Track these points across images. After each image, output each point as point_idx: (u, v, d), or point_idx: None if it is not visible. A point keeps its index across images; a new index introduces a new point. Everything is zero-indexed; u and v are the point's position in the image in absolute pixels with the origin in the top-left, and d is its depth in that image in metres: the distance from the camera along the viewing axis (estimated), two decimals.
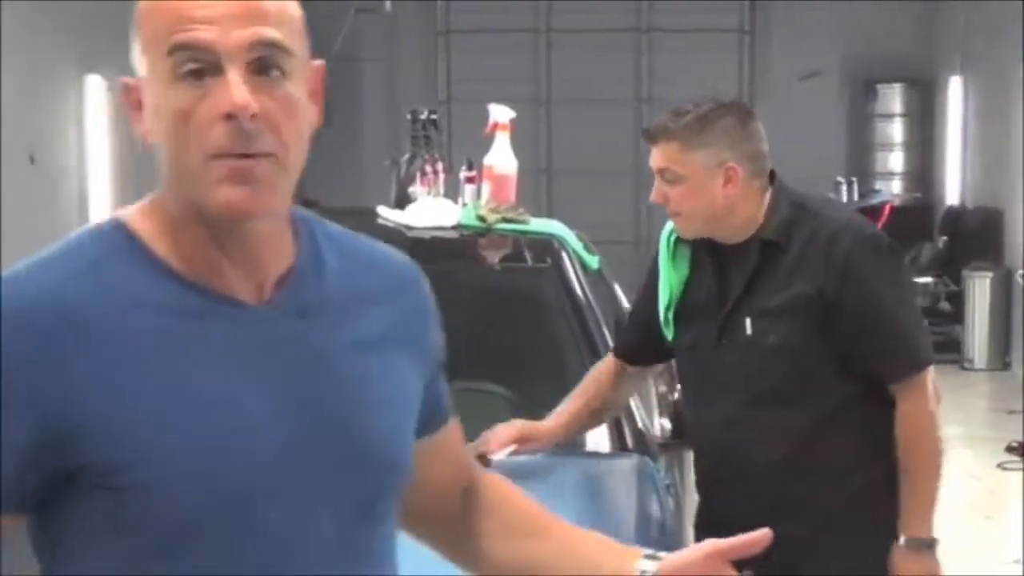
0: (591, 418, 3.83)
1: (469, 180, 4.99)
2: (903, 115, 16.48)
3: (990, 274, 13.38)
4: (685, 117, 3.49)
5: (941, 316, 13.36)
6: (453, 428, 2.13)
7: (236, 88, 1.72)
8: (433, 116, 5.55)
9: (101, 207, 11.22)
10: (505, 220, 4.71)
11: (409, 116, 5.57)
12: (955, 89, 15.48)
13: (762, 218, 3.55)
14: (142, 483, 1.72)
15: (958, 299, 12.92)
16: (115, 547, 1.75)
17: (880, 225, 14.90)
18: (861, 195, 15.46)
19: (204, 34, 1.72)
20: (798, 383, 3.52)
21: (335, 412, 1.84)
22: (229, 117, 1.71)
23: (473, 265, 4.86)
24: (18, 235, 9.72)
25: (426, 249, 4.71)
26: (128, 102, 1.83)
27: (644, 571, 2.00)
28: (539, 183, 16.23)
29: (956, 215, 14.79)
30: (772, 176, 3.60)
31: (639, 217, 16.45)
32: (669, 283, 3.69)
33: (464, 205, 4.92)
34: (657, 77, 16.99)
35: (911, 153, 16.52)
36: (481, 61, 16.58)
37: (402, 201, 5.15)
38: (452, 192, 5.13)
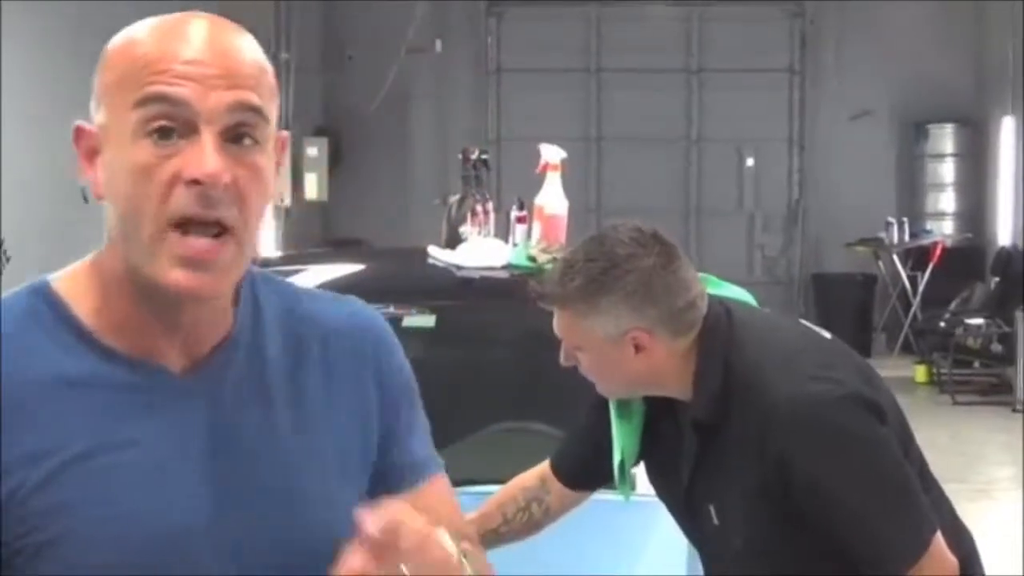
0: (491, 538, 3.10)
1: (520, 220, 4.98)
2: (954, 155, 16.43)
3: None
4: (574, 281, 2.80)
5: (992, 358, 13.26)
6: (431, 490, 1.85)
7: (210, 154, 1.59)
8: (484, 156, 5.55)
9: None
10: (555, 260, 4.70)
11: (460, 155, 5.58)
12: (1007, 129, 15.42)
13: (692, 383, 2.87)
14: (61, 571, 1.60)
15: (1009, 340, 12.80)
16: None
17: (931, 264, 14.98)
18: (912, 235, 15.43)
19: (182, 90, 1.59)
20: None
21: (267, 501, 1.70)
22: (195, 183, 1.58)
23: (522, 305, 4.86)
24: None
25: (476, 289, 4.74)
26: (81, 149, 1.68)
27: None
28: (589, 222, 16.21)
29: (1008, 256, 14.69)
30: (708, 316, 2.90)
31: (690, 257, 16.37)
32: (621, 438, 3.06)
33: (515, 245, 4.92)
34: (707, 116, 17.02)
35: (962, 194, 16.47)
36: (531, 100, 16.60)
37: (452, 241, 5.15)
38: (502, 232, 5.14)
